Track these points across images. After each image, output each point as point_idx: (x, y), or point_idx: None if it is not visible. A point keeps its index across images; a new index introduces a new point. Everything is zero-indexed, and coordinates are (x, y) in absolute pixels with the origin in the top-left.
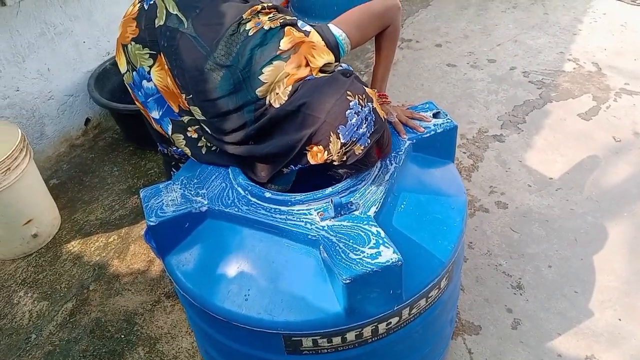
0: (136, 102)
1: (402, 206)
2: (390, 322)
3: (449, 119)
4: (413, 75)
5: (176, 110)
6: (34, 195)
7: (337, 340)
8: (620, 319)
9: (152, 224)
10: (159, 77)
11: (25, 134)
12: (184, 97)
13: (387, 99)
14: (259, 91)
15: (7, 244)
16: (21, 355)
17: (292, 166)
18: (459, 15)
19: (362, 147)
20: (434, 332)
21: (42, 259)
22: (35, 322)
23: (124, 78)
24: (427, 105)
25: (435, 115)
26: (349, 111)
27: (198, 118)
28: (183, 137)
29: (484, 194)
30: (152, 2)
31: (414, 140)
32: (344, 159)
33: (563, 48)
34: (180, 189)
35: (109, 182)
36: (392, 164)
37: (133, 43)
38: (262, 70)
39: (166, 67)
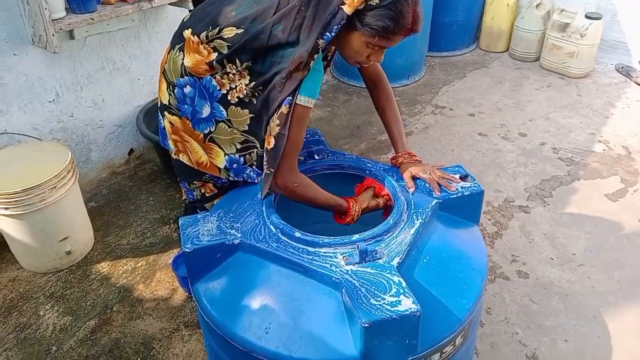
0: (181, 126)
1: (425, 260)
2: None
3: (476, 183)
4: (444, 140)
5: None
6: (73, 215)
7: None
8: None
9: (187, 250)
10: (190, 60)
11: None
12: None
13: (415, 157)
14: None
15: (41, 258)
16: None
17: (327, 34)
18: (494, 89)
19: None
20: None
21: (71, 276)
22: (58, 336)
23: (167, 107)
24: (456, 168)
25: (463, 178)
26: None
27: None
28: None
29: (505, 261)
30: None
31: (441, 200)
32: None
33: (594, 129)
34: (216, 220)
35: (144, 210)
36: (418, 219)
37: (167, 55)
38: None
39: (193, 39)
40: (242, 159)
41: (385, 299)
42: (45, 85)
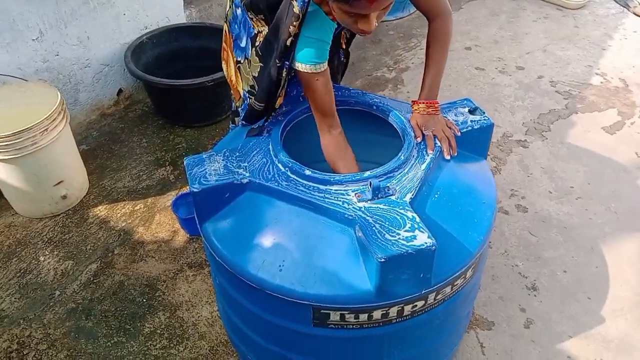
0: (228, 39)
1: (436, 196)
2: (416, 305)
3: (485, 116)
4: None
5: None
6: (66, 158)
7: (363, 317)
8: (631, 328)
9: (195, 190)
10: None
11: None
12: None
13: (436, 108)
14: None
15: (36, 203)
16: (45, 310)
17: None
18: (490, 21)
19: None
20: (453, 320)
21: (69, 220)
22: (60, 280)
23: (225, 15)
24: (465, 102)
25: (472, 112)
26: None
27: None
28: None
29: (504, 196)
30: None
31: None
32: None
33: (592, 62)
34: (222, 160)
35: (137, 153)
36: (428, 155)
37: None
38: None
39: None
40: (248, 99)
41: (400, 234)
42: (27, 22)
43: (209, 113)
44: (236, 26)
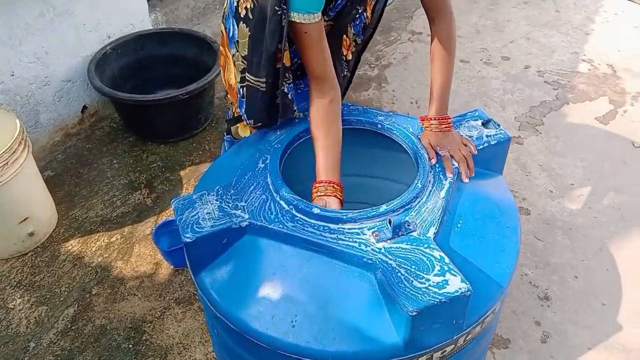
0: (225, 39)
1: (459, 226)
2: (445, 351)
3: (501, 129)
4: (426, 70)
5: None
6: (31, 192)
7: None
8: None
9: (188, 240)
10: None
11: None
12: None
13: (449, 125)
14: None
15: (1, 243)
16: None
17: None
18: (470, 9)
19: None
20: (480, 353)
21: (38, 259)
22: (34, 330)
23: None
24: (477, 114)
25: (485, 124)
26: None
27: None
28: None
29: None
30: None
31: None
32: None
33: (577, 48)
34: (216, 200)
35: (109, 176)
36: (446, 179)
37: None
38: None
39: None
40: (241, 90)
41: (430, 280)
42: None
43: (184, 127)
44: (228, 20)
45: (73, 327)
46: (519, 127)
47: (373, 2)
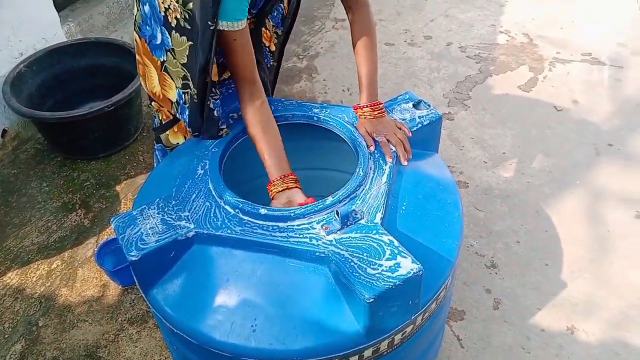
0: (142, 47)
1: (403, 208)
2: (405, 331)
3: (432, 109)
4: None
5: None
6: None
7: (353, 359)
8: (591, 287)
9: (134, 258)
10: None
11: None
12: None
13: (382, 110)
14: None
15: None
16: None
17: None
18: None
19: None
20: (438, 328)
21: None
22: None
23: (134, 23)
24: (407, 96)
25: (416, 106)
26: None
27: None
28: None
29: None
30: None
31: None
32: None
33: (493, 20)
34: (158, 213)
35: (40, 200)
36: (386, 164)
37: None
38: None
39: None
40: (183, 96)
41: (382, 265)
42: None
43: (113, 140)
44: (147, 27)
45: None
46: (448, 103)
47: None
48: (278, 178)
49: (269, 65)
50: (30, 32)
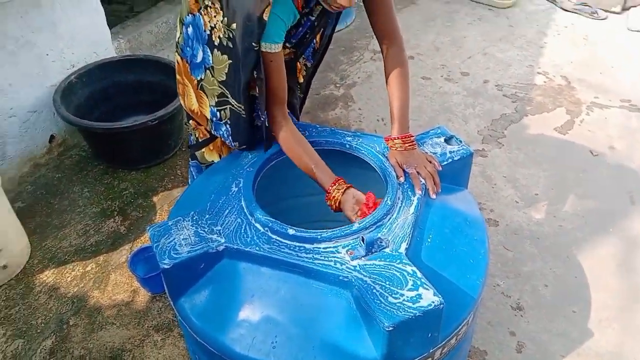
0: (183, 67)
1: (429, 240)
2: None
3: (464, 145)
4: None
5: None
6: (2, 224)
7: None
8: (620, 338)
9: (166, 266)
10: None
11: None
12: None
13: (412, 142)
14: None
15: None
16: None
17: None
18: (427, 27)
19: None
20: None
21: (13, 292)
22: None
23: (177, 44)
24: (439, 131)
25: (447, 141)
26: None
27: None
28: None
29: None
30: None
31: None
32: None
33: (532, 61)
34: (192, 225)
35: (80, 205)
36: (414, 195)
37: None
38: None
39: None
40: (218, 113)
41: (404, 295)
42: None
43: (154, 153)
44: (188, 48)
45: (51, 359)
46: (482, 140)
47: (322, 29)
48: (332, 184)
49: (296, 95)
50: (83, 46)
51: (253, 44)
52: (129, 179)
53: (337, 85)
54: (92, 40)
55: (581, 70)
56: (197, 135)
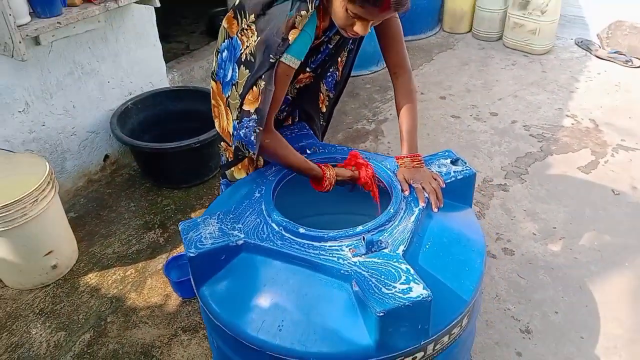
0: (217, 89)
1: (427, 246)
2: (416, 357)
3: (467, 166)
4: (419, 125)
5: None
6: (56, 228)
7: None
8: None
9: (191, 254)
10: (225, 19)
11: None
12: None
13: (420, 161)
14: None
15: (26, 274)
16: None
17: None
18: (461, 70)
19: None
20: None
21: (59, 290)
22: (53, 352)
23: (212, 72)
24: (447, 153)
25: (453, 162)
26: None
27: None
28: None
29: (490, 240)
30: None
31: None
32: None
33: (561, 104)
34: (217, 223)
35: (126, 217)
36: (417, 207)
37: None
38: None
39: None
40: (237, 125)
41: (396, 287)
42: (13, 95)
43: (195, 174)
44: (221, 70)
45: (88, 351)
46: (505, 175)
47: (343, 64)
48: (324, 168)
49: (319, 125)
50: (140, 76)
51: (270, 55)
52: (171, 197)
53: (369, 120)
54: (149, 71)
55: (610, 115)
56: (227, 156)
